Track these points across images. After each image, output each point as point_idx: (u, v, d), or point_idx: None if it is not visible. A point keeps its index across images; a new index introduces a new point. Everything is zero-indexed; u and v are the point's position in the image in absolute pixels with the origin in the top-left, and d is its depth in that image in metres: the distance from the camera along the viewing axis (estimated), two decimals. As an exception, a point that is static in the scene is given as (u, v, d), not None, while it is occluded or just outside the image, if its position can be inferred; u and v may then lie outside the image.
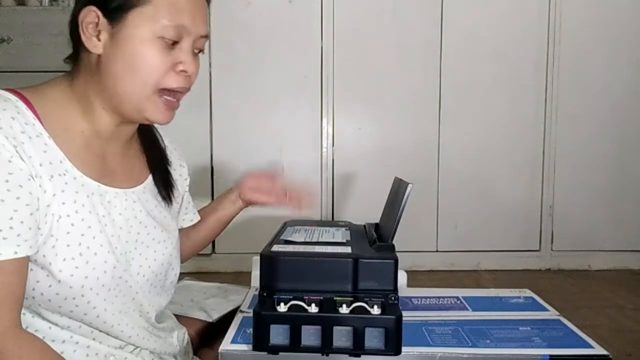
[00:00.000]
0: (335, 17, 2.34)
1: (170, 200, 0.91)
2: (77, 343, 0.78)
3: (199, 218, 1.06)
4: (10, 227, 0.65)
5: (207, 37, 0.80)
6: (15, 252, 0.65)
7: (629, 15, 2.39)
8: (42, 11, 2.16)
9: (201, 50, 0.80)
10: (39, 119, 0.71)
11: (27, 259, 0.68)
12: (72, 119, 0.77)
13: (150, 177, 0.89)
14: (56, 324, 0.76)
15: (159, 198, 0.90)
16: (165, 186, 0.90)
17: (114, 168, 0.82)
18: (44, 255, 0.70)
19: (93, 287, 0.75)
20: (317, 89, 2.37)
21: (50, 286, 0.72)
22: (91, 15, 0.74)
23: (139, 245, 0.83)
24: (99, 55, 0.75)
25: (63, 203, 0.72)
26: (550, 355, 0.72)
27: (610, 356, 0.72)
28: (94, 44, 0.74)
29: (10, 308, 0.66)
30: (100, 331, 0.79)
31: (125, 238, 0.81)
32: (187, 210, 1.03)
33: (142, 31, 0.73)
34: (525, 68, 2.40)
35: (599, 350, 0.74)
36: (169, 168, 0.94)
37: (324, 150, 2.40)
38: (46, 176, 0.70)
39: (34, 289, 0.71)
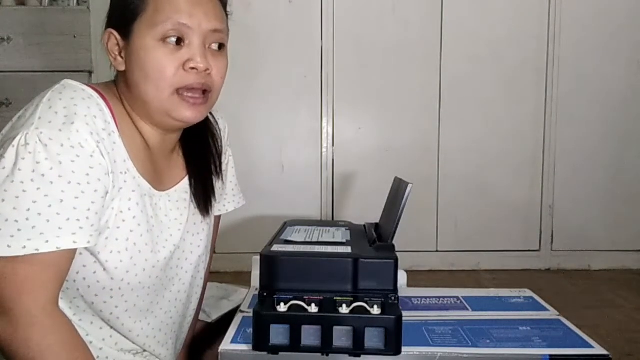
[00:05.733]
0: (335, 17, 2.34)
1: (207, 211, 0.92)
2: (101, 329, 0.81)
3: (242, 203, 1.07)
4: (87, 218, 0.69)
5: (220, 31, 0.80)
6: (88, 242, 0.70)
7: (628, 15, 2.38)
8: (42, 11, 2.16)
9: (221, 45, 0.81)
10: (114, 117, 0.76)
11: None
12: (131, 124, 0.81)
13: (187, 177, 0.91)
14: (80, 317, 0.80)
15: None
16: (204, 198, 0.92)
17: (159, 173, 0.85)
18: (95, 244, 0.73)
19: (131, 282, 0.78)
20: (317, 89, 2.37)
21: (95, 272, 0.76)
22: (112, 38, 0.79)
23: (181, 242, 0.87)
24: (125, 72, 0.79)
25: (120, 199, 0.75)
26: (550, 355, 0.72)
27: (610, 356, 0.72)
28: (118, 62, 0.80)
29: (56, 286, 0.69)
30: (118, 332, 0.83)
31: (169, 237, 0.85)
32: (227, 196, 1.04)
33: (146, 39, 0.76)
34: (525, 68, 2.40)
35: (599, 350, 0.74)
36: (214, 179, 0.95)
37: (324, 150, 2.40)
38: (117, 172, 0.74)
39: (78, 273, 0.75)
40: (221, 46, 0.82)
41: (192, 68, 0.77)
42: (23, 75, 2.10)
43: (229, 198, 1.04)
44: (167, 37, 0.76)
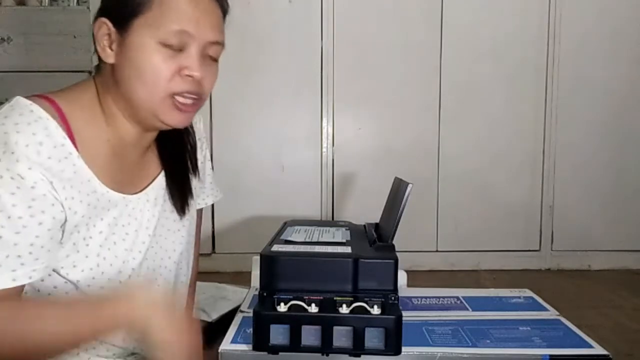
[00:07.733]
0: (335, 17, 2.34)
1: (184, 212, 0.90)
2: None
3: (220, 196, 1.05)
4: (30, 253, 0.66)
5: (219, 44, 0.78)
6: (30, 277, 0.67)
7: (629, 15, 2.38)
8: (42, 11, 2.17)
9: (215, 59, 0.80)
10: (70, 133, 0.72)
11: None
12: (99, 128, 0.78)
13: (162, 173, 0.89)
14: None
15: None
16: (180, 198, 0.89)
17: (133, 173, 0.83)
18: (62, 267, 0.71)
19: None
20: (317, 89, 2.37)
21: (67, 293, 0.74)
22: (103, 27, 0.76)
23: (161, 239, 0.86)
24: (113, 65, 0.76)
25: (87, 222, 0.74)
26: (550, 355, 0.72)
27: (610, 356, 0.72)
28: (107, 54, 0.76)
29: None
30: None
31: (149, 239, 0.83)
32: (205, 189, 1.02)
33: (146, 38, 0.74)
34: (525, 68, 2.40)
35: (599, 350, 0.74)
36: (191, 176, 0.92)
37: (324, 150, 2.40)
38: (77, 197, 0.71)
39: (49, 294, 0.73)
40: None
41: (188, 75, 0.75)
42: (23, 75, 2.10)
43: (207, 191, 1.03)
44: (168, 41, 0.74)
